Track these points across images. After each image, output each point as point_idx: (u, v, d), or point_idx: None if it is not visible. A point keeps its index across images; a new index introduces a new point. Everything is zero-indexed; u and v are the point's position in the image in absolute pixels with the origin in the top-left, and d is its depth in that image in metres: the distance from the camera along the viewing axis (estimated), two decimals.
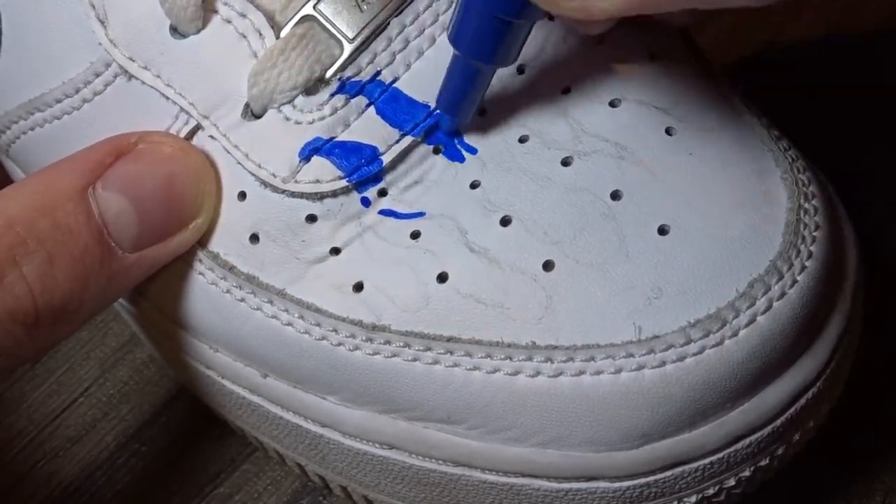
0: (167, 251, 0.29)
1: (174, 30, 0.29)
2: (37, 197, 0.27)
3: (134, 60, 0.30)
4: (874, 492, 0.31)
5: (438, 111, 0.29)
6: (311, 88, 0.29)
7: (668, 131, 0.28)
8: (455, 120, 0.28)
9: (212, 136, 0.29)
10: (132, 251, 0.28)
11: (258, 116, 0.29)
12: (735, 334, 0.26)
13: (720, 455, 0.27)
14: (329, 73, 0.29)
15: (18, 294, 0.26)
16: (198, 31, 0.29)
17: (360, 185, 0.28)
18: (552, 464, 0.27)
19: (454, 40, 0.27)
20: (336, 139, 0.29)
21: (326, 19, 0.29)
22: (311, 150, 0.29)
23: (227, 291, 0.29)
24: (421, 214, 0.28)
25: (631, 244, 0.27)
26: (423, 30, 0.29)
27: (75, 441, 0.35)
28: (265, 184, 0.29)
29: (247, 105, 0.29)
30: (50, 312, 0.27)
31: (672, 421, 0.26)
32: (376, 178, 0.28)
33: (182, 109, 0.29)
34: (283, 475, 0.33)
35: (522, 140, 0.29)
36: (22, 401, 0.36)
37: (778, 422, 0.27)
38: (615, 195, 0.27)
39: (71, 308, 0.27)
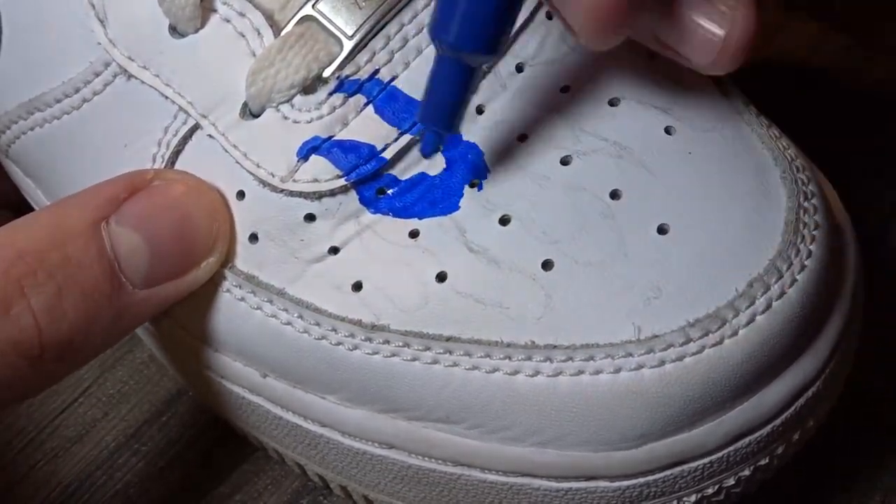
0: (178, 289, 0.29)
1: (173, 29, 0.29)
2: (49, 229, 0.27)
3: (133, 60, 0.30)
4: (874, 492, 0.31)
5: (422, 125, 0.28)
6: (309, 87, 0.29)
7: (668, 130, 0.28)
8: (446, 132, 0.28)
9: (210, 136, 0.29)
10: (143, 288, 0.28)
11: (256, 116, 0.29)
12: (734, 334, 0.26)
13: (720, 454, 0.27)
14: (328, 72, 0.29)
15: (24, 325, 0.26)
16: (196, 31, 0.29)
17: (359, 184, 0.28)
18: (551, 463, 0.27)
19: (437, 34, 0.26)
20: (334, 138, 0.29)
21: (325, 17, 0.29)
22: (309, 149, 0.28)
23: (227, 291, 0.29)
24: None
25: (630, 243, 0.27)
26: (422, 28, 0.29)
27: (75, 441, 0.35)
28: (264, 183, 0.29)
29: (245, 104, 0.29)
30: (55, 346, 0.26)
31: (671, 420, 0.26)
32: (375, 177, 0.28)
33: (181, 108, 0.29)
34: (282, 475, 0.33)
35: (521, 139, 0.29)
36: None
37: (777, 421, 0.27)
38: (614, 194, 0.27)
39: (77, 342, 0.27)
